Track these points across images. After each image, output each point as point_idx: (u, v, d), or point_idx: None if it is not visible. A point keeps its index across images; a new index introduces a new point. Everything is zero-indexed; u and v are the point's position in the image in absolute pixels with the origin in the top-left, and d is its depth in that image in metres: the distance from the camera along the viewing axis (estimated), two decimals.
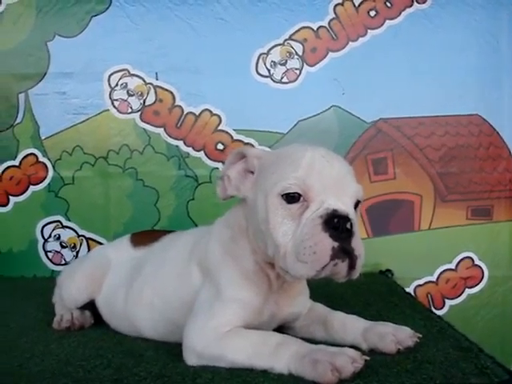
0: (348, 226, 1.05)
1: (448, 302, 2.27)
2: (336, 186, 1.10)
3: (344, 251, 1.05)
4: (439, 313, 2.24)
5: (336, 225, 1.05)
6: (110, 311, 1.52)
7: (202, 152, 2.23)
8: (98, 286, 1.55)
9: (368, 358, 1.07)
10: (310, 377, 1.03)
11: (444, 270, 2.26)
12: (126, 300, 1.45)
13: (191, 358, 1.16)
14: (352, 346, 1.20)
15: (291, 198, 1.10)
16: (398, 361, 1.16)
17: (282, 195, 1.10)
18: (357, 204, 1.15)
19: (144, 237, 1.61)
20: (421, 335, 1.24)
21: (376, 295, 1.82)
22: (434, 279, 2.26)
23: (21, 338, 1.43)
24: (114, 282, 1.53)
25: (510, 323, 2.25)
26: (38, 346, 1.35)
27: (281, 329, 1.34)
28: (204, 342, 1.15)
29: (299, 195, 1.09)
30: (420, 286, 2.26)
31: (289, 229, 1.10)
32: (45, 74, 2.23)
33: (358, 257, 1.06)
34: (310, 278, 1.09)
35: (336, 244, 1.04)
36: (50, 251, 2.27)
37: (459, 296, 2.27)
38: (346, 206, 1.09)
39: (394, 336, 1.21)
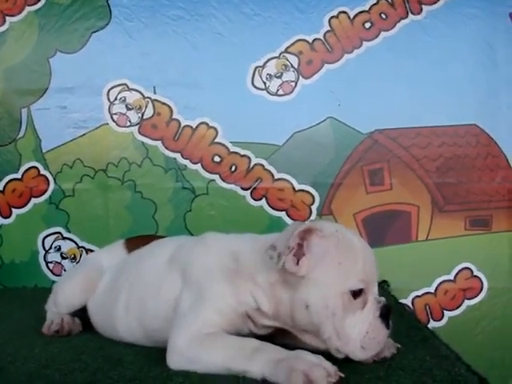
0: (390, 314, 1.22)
1: (447, 314, 2.25)
2: (375, 273, 1.23)
3: None
4: (438, 324, 2.24)
5: (387, 317, 1.21)
6: (96, 314, 1.56)
7: (199, 164, 2.26)
8: (91, 290, 1.59)
9: (343, 375, 1.06)
10: None
11: (442, 281, 2.24)
12: (107, 301, 1.50)
13: (174, 359, 1.18)
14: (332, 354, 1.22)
15: (357, 292, 1.17)
16: (372, 368, 1.17)
17: (351, 291, 1.16)
18: None
19: (138, 241, 1.65)
20: (399, 346, 1.25)
21: None
22: (432, 290, 2.24)
23: (8, 343, 1.46)
24: (103, 284, 1.57)
25: (510, 335, 2.22)
26: (22, 350, 1.38)
27: None
28: (187, 343, 1.17)
29: (362, 289, 1.18)
30: (418, 297, 2.24)
31: (354, 321, 1.17)
32: (46, 89, 2.28)
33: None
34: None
35: (388, 332, 1.20)
36: (51, 262, 2.31)
37: (458, 307, 2.24)
38: None
39: None
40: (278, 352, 1.11)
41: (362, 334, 1.16)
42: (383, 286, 2.17)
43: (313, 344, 1.21)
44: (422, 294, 2.25)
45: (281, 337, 1.34)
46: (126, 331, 1.43)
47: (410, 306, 2.24)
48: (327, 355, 1.14)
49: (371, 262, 1.22)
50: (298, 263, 1.16)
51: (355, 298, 1.16)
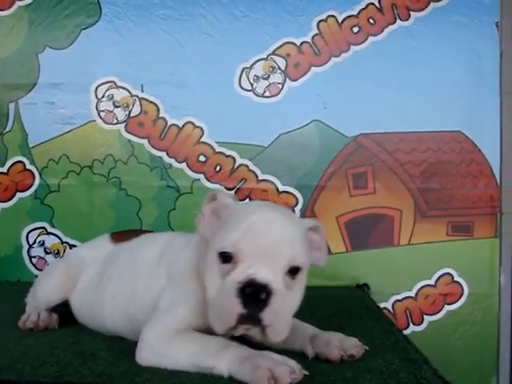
0: (263, 296, 1.09)
1: (427, 318, 2.26)
2: (268, 253, 1.13)
3: (255, 319, 1.09)
4: (418, 329, 2.26)
5: (249, 293, 1.09)
6: (80, 304, 1.58)
7: (184, 163, 2.27)
8: (72, 284, 1.60)
9: (307, 372, 1.08)
10: (247, 380, 1.05)
11: (423, 286, 2.26)
12: (95, 290, 1.51)
13: (143, 354, 1.19)
14: (300, 351, 1.25)
15: (225, 257, 1.14)
16: (339, 369, 1.17)
17: (219, 253, 1.15)
18: (296, 270, 1.17)
19: (125, 234, 1.67)
20: (367, 348, 1.25)
21: (344, 308, 1.84)
22: (413, 295, 2.26)
23: None
24: (88, 276, 1.58)
25: (489, 341, 2.24)
26: None
27: None
28: (157, 338, 1.19)
29: (232, 256, 1.14)
30: (399, 301, 2.26)
31: (217, 286, 1.15)
32: (35, 84, 2.29)
33: (269, 326, 1.10)
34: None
35: (244, 311, 1.09)
36: (35, 257, 2.32)
37: (438, 312, 2.26)
38: (272, 275, 1.12)
39: (339, 343, 1.23)
40: (243, 350, 1.12)
41: (215, 301, 1.14)
42: (364, 288, 2.20)
43: None
44: (403, 298, 2.26)
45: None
46: (110, 319, 1.44)
47: (391, 309, 2.26)
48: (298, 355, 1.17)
49: (257, 239, 1.14)
50: None
51: (223, 263, 1.15)
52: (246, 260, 1.13)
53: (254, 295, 1.09)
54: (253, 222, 1.16)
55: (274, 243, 1.14)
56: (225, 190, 2.25)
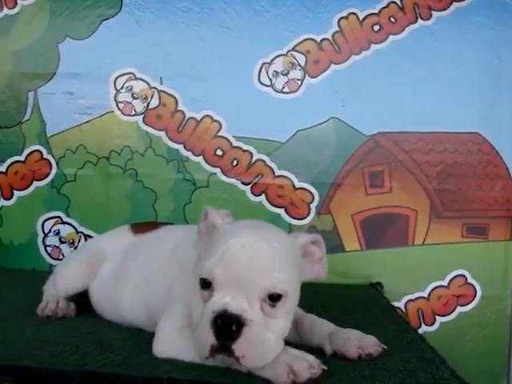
0: (234, 327, 1.05)
1: (439, 319, 2.26)
2: (243, 281, 1.08)
3: (228, 350, 1.05)
4: (429, 329, 2.26)
5: (220, 325, 1.05)
6: (101, 296, 1.59)
7: (201, 157, 2.28)
8: (92, 274, 1.62)
9: (325, 367, 1.09)
10: (266, 375, 1.06)
11: (436, 287, 2.25)
12: (115, 281, 1.53)
13: (160, 347, 1.21)
14: (318, 348, 1.25)
15: (205, 283, 1.11)
16: (358, 367, 1.18)
17: (199, 279, 1.12)
18: (277, 297, 1.10)
19: (146, 226, 1.69)
20: (386, 347, 1.26)
21: (358, 306, 1.84)
22: (426, 295, 2.25)
23: (1, 324, 1.48)
24: (109, 267, 1.60)
25: (500, 344, 2.24)
26: (14, 331, 1.40)
27: None
28: (174, 332, 1.21)
29: (210, 283, 1.10)
30: (411, 301, 2.25)
31: (199, 312, 1.12)
32: (54, 74, 2.30)
33: (242, 357, 1.05)
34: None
35: (216, 343, 1.05)
36: (49, 246, 2.33)
37: (450, 313, 2.25)
38: (248, 304, 1.08)
39: (357, 341, 1.24)
40: None
41: (196, 323, 1.12)
42: (377, 287, 2.20)
43: None
44: (416, 298, 2.26)
45: None
46: (130, 310, 1.46)
47: (403, 309, 2.25)
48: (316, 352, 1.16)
49: (231, 266, 1.09)
50: None
51: (202, 289, 1.12)
52: (222, 288, 1.09)
53: (226, 326, 1.05)
54: (229, 248, 1.11)
55: (248, 270, 1.09)
56: (240, 184, 2.28)
